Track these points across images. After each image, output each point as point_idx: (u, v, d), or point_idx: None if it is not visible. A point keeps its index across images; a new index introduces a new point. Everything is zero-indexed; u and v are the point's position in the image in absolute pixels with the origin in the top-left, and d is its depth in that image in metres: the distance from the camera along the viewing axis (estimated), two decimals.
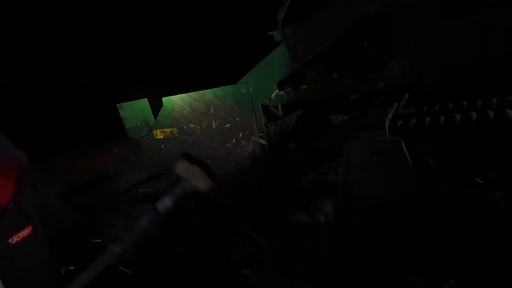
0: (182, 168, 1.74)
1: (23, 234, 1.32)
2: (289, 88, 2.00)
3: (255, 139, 2.04)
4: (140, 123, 2.27)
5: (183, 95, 2.08)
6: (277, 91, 2.03)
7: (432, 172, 1.32)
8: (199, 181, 1.71)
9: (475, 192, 1.55)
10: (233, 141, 2.07)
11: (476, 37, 1.45)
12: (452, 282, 1.12)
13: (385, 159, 1.25)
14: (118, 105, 2.30)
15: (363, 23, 1.68)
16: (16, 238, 1.30)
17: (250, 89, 2.01)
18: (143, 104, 2.26)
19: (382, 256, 1.30)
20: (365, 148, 1.28)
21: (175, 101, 2.10)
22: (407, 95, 1.83)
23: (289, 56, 1.76)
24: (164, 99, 2.13)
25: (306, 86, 1.97)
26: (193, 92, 2.06)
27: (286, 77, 1.99)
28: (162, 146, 2.23)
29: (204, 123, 2.08)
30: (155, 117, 2.21)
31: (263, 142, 2.07)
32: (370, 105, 1.86)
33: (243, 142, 2.05)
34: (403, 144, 1.24)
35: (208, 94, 2.03)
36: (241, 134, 2.05)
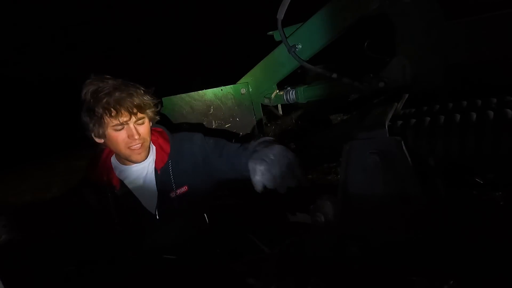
0: None
1: (181, 190, 1.61)
2: (289, 88, 2.00)
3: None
4: None
5: (183, 95, 2.08)
6: (277, 91, 2.03)
7: (432, 172, 1.32)
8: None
9: (475, 192, 1.54)
10: (233, 141, 2.07)
11: (476, 37, 1.45)
12: (452, 282, 1.12)
13: (385, 159, 1.25)
14: None
15: (363, 23, 1.68)
16: (173, 194, 1.59)
17: (250, 89, 2.01)
18: None
19: (382, 256, 1.30)
20: (365, 148, 1.28)
21: (175, 101, 2.10)
22: (407, 95, 1.83)
23: (289, 56, 1.76)
24: (164, 99, 2.13)
25: (306, 86, 1.97)
26: (193, 92, 2.06)
27: (286, 77, 1.99)
28: None
29: (204, 123, 2.08)
30: None
31: None
32: (370, 105, 1.86)
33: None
34: (403, 144, 1.23)
35: (208, 94, 2.03)
36: (241, 134, 2.05)
